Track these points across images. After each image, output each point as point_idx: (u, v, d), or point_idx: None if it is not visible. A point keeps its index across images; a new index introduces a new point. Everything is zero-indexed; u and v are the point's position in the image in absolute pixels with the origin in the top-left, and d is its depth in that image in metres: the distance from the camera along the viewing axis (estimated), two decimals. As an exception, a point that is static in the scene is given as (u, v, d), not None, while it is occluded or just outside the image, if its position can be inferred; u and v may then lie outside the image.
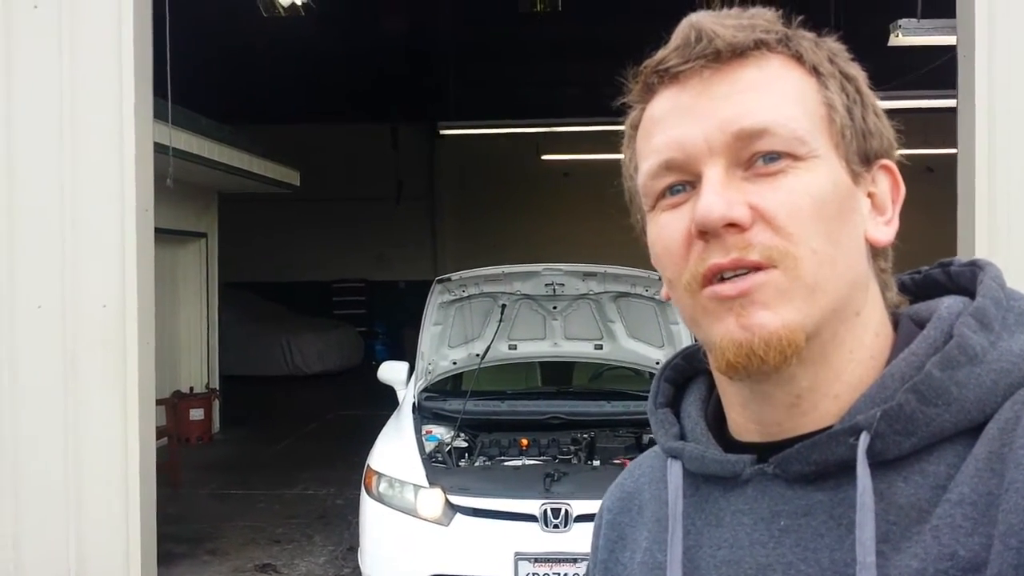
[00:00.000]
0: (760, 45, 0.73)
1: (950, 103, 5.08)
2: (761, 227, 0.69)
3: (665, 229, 0.74)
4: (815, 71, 0.74)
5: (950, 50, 5.05)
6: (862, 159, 0.74)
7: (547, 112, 12.87)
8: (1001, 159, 4.72)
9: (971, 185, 4.72)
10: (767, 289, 0.69)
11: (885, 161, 0.77)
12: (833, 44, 0.77)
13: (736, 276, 0.69)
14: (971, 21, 4.73)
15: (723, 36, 0.72)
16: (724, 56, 0.72)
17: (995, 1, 4.66)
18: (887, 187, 0.78)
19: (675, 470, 0.80)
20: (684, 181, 0.73)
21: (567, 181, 16.39)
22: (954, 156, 4.76)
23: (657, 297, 5.62)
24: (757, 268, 0.69)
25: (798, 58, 0.74)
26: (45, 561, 5.12)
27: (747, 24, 0.73)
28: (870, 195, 0.76)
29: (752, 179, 0.70)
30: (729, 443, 0.79)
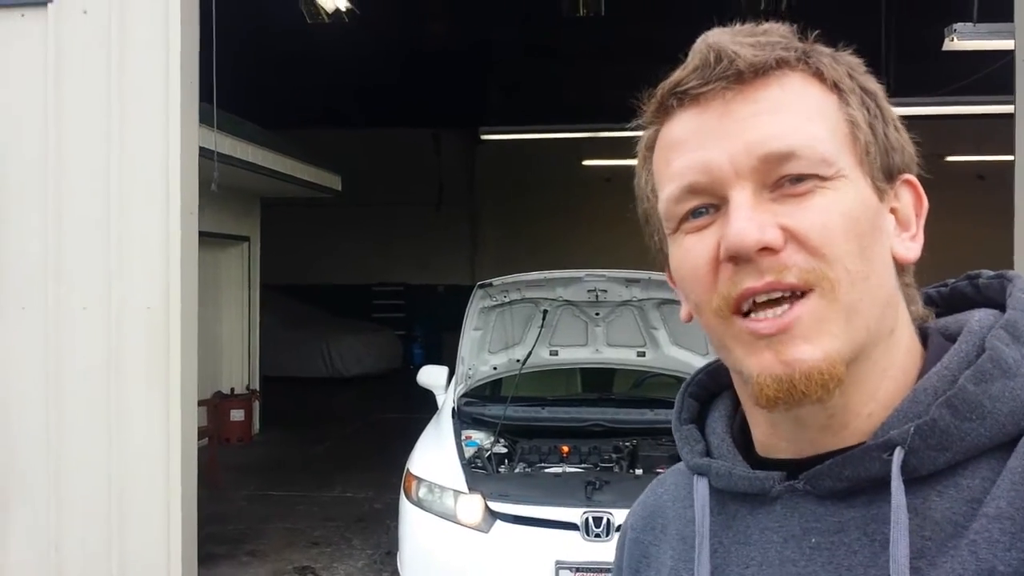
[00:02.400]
0: (781, 64, 0.72)
1: (1004, 109, 4.96)
2: (794, 248, 0.68)
3: (690, 253, 0.73)
4: (836, 87, 0.73)
5: (1003, 55, 4.93)
6: (886, 175, 0.73)
7: (589, 117, 12.82)
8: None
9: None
10: (805, 322, 0.67)
11: (907, 176, 0.76)
12: (850, 58, 0.76)
13: (769, 303, 0.68)
14: (1030, 24, 4.61)
15: (744, 56, 0.71)
16: (746, 76, 0.71)
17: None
18: (910, 202, 0.76)
19: (701, 487, 0.79)
20: (708, 204, 0.72)
21: (608, 186, 16.28)
22: (1005, 163, 4.64)
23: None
24: (791, 290, 0.67)
25: (818, 75, 0.73)
26: (88, 560, 5.18)
27: (765, 42, 0.72)
28: (893, 211, 0.75)
29: (780, 200, 0.69)
30: (756, 460, 0.78)
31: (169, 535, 5.19)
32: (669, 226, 0.75)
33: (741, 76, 0.71)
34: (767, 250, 0.68)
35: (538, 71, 12.87)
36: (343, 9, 9.05)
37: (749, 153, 0.69)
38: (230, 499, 7.70)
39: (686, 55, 0.76)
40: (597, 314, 5.83)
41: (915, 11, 7.67)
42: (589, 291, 5.63)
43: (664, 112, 0.76)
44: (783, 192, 0.69)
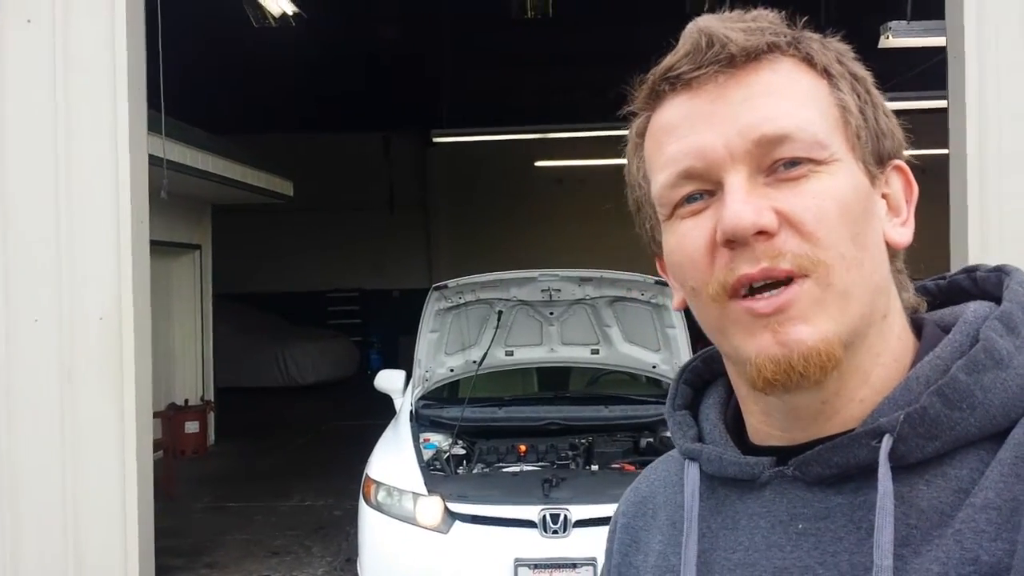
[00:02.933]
0: (772, 48, 0.72)
1: (942, 104, 5.10)
2: (789, 233, 0.68)
3: (686, 238, 0.72)
4: (826, 73, 0.73)
5: (938, 52, 5.08)
6: (876, 160, 0.74)
7: (540, 119, 12.89)
8: (992, 158, 4.74)
9: (963, 185, 4.74)
10: (802, 302, 0.67)
11: (897, 161, 0.77)
12: (839, 44, 0.76)
13: (766, 287, 0.68)
14: (960, 22, 4.76)
15: (736, 40, 0.71)
16: (738, 61, 0.71)
17: (984, 2, 4.68)
18: (900, 187, 0.77)
19: (692, 472, 0.79)
20: (703, 190, 0.72)
21: (561, 188, 16.41)
22: (947, 156, 4.78)
23: (653, 301, 5.63)
24: (787, 276, 0.68)
25: (808, 60, 0.73)
26: (42, 574, 5.09)
27: (755, 27, 0.72)
28: (884, 196, 0.75)
29: (774, 184, 0.69)
30: (748, 446, 0.78)
31: (126, 549, 5.13)
32: (663, 212, 0.75)
33: (733, 60, 0.71)
34: (762, 234, 0.68)
35: (488, 74, 12.92)
36: (290, 13, 8.99)
37: (743, 136, 0.69)
38: (187, 511, 7.61)
39: (662, 52, 0.75)
40: (551, 313, 5.88)
41: (852, 9, 7.86)
42: (543, 291, 5.68)
43: (655, 98, 0.75)
44: (777, 176, 0.69)
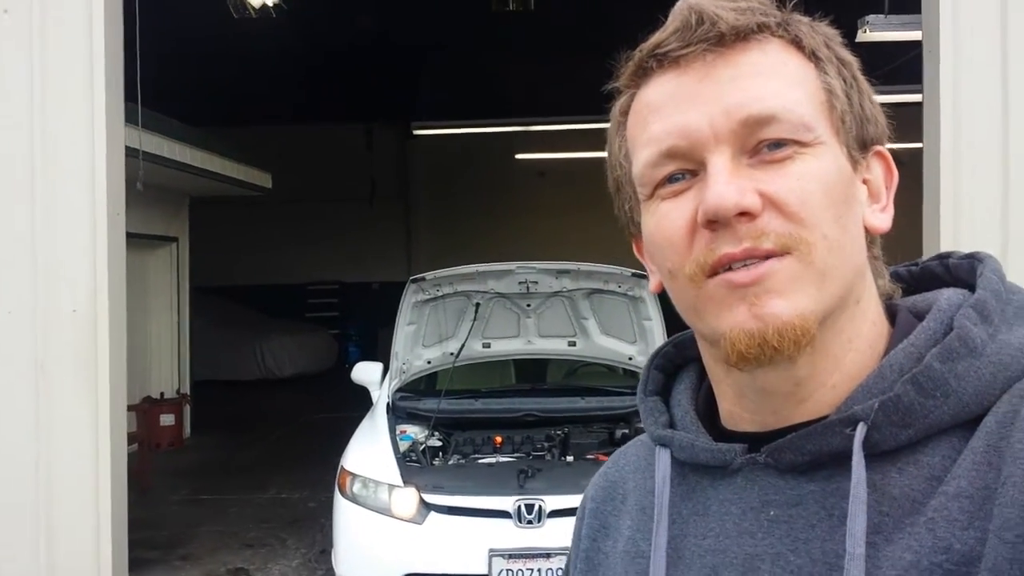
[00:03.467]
0: (762, 28, 0.71)
1: (916, 98, 5.13)
2: (772, 214, 0.68)
3: (666, 219, 0.72)
4: (813, 56, 0.72)
5: (916, 46, 5.10)
6: (859, 145, 0.74)
7: (521, 111, 12.88)
8: (966, 152, 4.77)
9: (936, 178, 4.77)
10: (781, 276, 0.67)
11: (879, 148, 0.76)
12: (827, 29, 0.75)
13: (747, 265, 0.68)
14: (935, 16, 4.79)
15: (726, 19, 0.70)
16: (727, 39, 0.70)
17: (959, -5, 4.71)
18: (881, 173, 0.77)
19: (663, 458, 0.79)
20: (685, 169, 0.71)
21: (542, 180, 16.42)
22: (918, 151, 4.81)
23: (630, 293, 5.64)
24: (768, 255, 0.67)
25: (796, 43, 0.72)
26: (15, 569, 5.05)
27: (745, 7, 0.72)
28: (865, 182, 0.75)
29: (758, 166, 0.69)
30: (720, 433, 0.78)
31: (99, 541, 5.09)
32: (644, 192, 0.74)
33: (723, 39, 0.70)
34: (745, 215, 0.67)
35: (470, 66, 12.89)
36: (270, 4, 8.93)
37: (729, 116, 0.69)
38: (161, 504, 7.56)
39: (652, 30, 0.74)
40: (528, 305, 5.88)
41: (830, 2, 7.88)
42: (520, 283, 5.68)
43: (641, 75, 0.74)
44: (761, 158, 0.69)
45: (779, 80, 0.70)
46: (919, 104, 4.92)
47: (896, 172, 0.77)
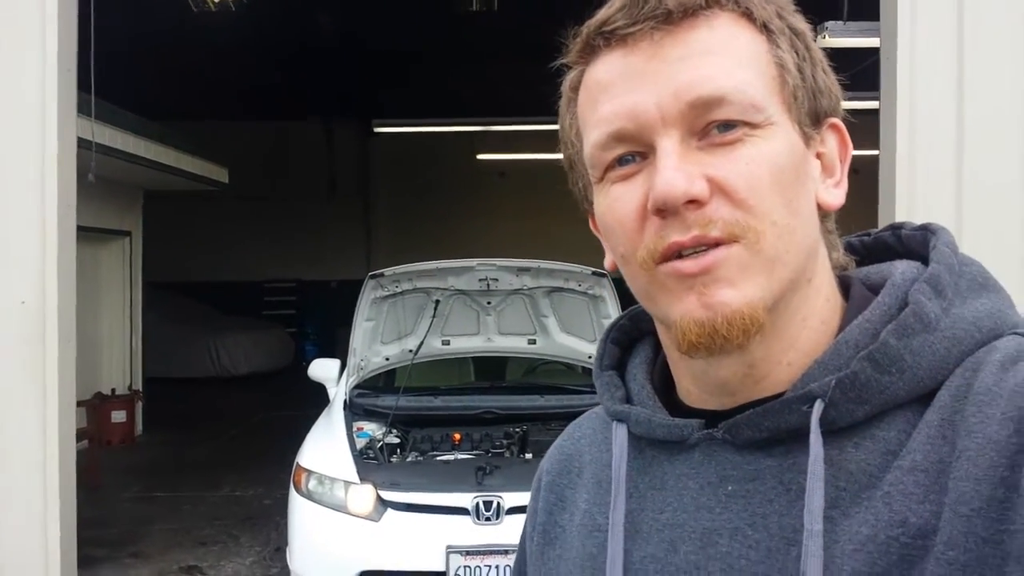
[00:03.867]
0: (711, 3, 0.69)
1: (873, 104, 5.21)
2: (720, 200, 0.67)
3: (616, 203, 0.71)
4: (765, 28, 0.71)
5: (875, 53, 5.18)
6: (812, 119, 0.72)
7: (482, 111, 12.86)
8: (921, 159, 4.86)
9: (891, 185, 4.85)
10: (729, 265, 0.67)
11: (833, 120, 0.75)
12: None
13: (696, 253, 0.67)
14: (894, 22, 4.87)
15: None
16: (675, 16, 0.68)
17: (917, 3, 4.79)
18: (835, 146, 0.76)
19: (620, 433, 0.78)
20: (635, 152, 0.70)
21: (503, 181, 16.43)
22: (874, 157, 4.88)
23: (590, 292, 5.65)
24: (716, 243, 0.67)
25: (747, 15, 0.71)
26: (-43, 566, 4.92)
27: None
28: (819, 155, 0.74)
29: (707, 149, 0.68)
30: (676, 406, 0.77)
31: (47, 538, 4.98)
32: (595, 174, 0.73)
33: (670, 16, 0.68)
34: (693, 203, 0.66)
35: (432, 65, 12.85)
36: (229, -2, 8.83)
37: (678, 98, 0.67)
38: (112, 501, 7.43)
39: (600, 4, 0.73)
40: (489, 303, 5.87)
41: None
42: (480, 280, 5.66)
43: (589, 52, 0.72)
44: (711, 140, 0.68)
45: (729, 58, 0.68)
46: (876, 111, 5.00)
47: (851, 144, 0.76)
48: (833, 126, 0.75)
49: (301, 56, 12.20)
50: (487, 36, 11.36)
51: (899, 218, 4.83)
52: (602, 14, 0.71)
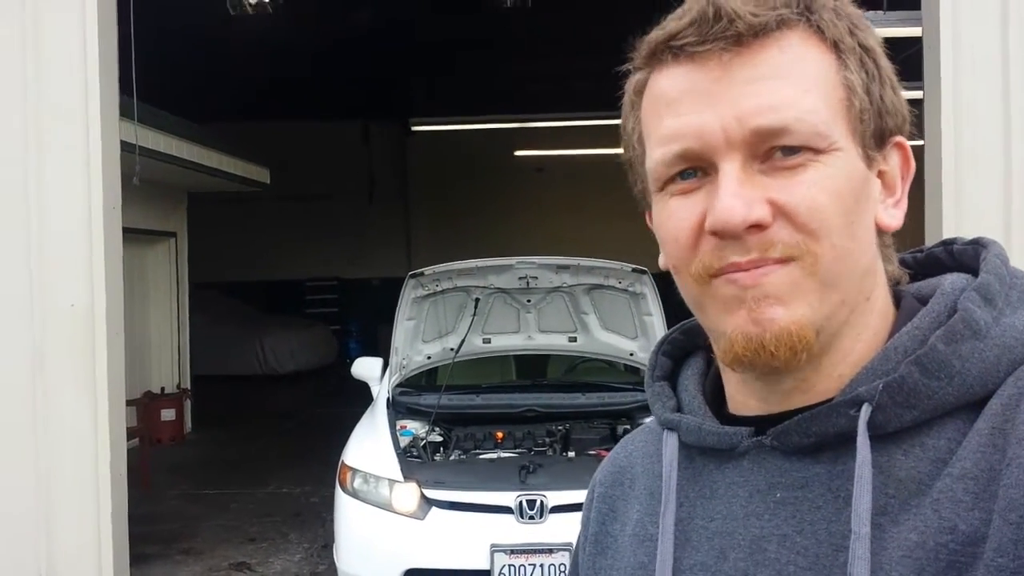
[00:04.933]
0: (781, 24, 0.69)
1: (915, 94, 5.14)
2: (782, 223, 0.68)
3: (673, 216, 0.72)
4: (835, 47, 0.71)
5: (917, 42, 5.10)
6: (877, 140, 0.73)
7: (519, 108, 12.86)
8: (967, 148, 4.78)
9: (938, 176, 4.78)
10: (783, 283, 0.68)
11: (898, 138, 0.75)
12: (852, 10, 0.73)
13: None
14: (935, 11, 4.79)
15: (744, 18, 0.68)
16: (745, 39, 0.69)
17: (959, -9, 4.71)
18: (898, 164, 0.76)
19: (671, 442, 0.80)
20: (696, 167, 0.71)
21: (541, 176, 16.41)
22: (921, 148, 4.81)
23: (630, 289, 5.64)
24: (776, 263, 0.68)
25: (819, 33, 0.70)
26: (15, 564, 5.05)
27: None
28: (881, 174, 0.74)
29: (770, 172, 0.68)
30: (726, 417, 0.78)
31: (100, 536, 5.10)
32: (655, 184, 0.74)
33: (740, 39, 0.68)
34: (755, 227, 0.67)
35: (467, 63, 12.87)
36: (267, 0, 8.92)
37: (742, 124, 0.68)
38: (162, 499, 7.57)
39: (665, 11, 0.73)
40: (528, 301, 5.88)
41: None
42: (520, 278, 5.67)
43: (655, 60, 0.73)
44: (774, 164, 0.68)
45: (796, 83, 0.69)
46: (919, 101, 4.92)
47: (913, 163, 0.77)
48: (898, 144, 0.75)
49: (337, 56, 12.30)
50: (522, 32, 11.35)
51: (946, 208, 4.76)
52: (671, 26, 0.71)
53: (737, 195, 0.67)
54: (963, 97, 4.77)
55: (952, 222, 4.71)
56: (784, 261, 0.68)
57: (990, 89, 4.75)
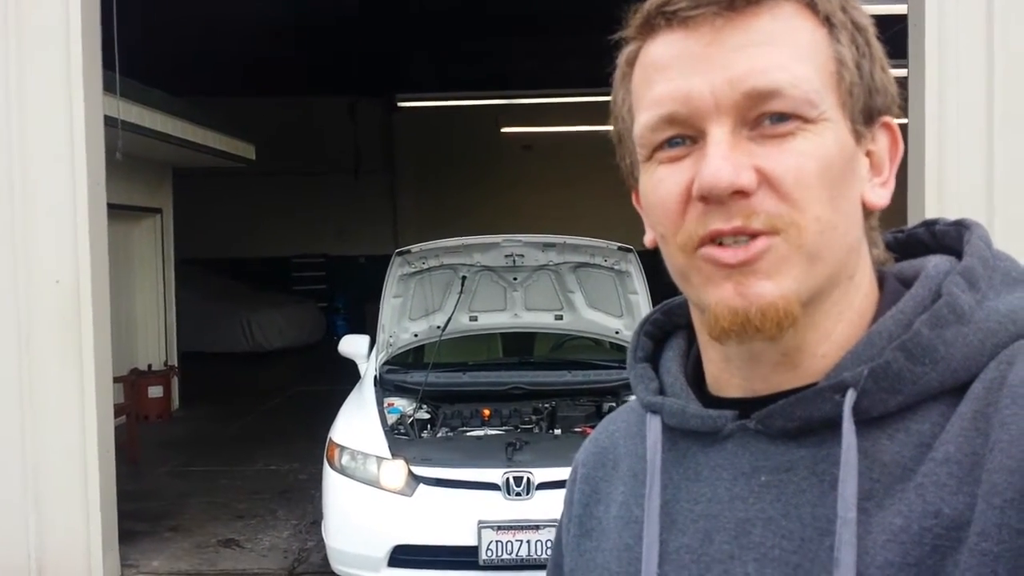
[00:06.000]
0: None
1: (899, 72, 5.15)
2: (766, 192, 0.67)
3: (661, 184, 0.71)
4: (828, 21, 0.70)
5: (901, 20, 5.11)
6: (866, 117, 0.72)
7: (505, 85, 12.81)
8: (951, 126, 4.81)
9: (921, 152, 4.81)
10: (768, 257, 0.67)
11: (886, 119, 0.75)
12: None
13: (736, 242, 0.68)
14: (922, -10, 4.80)
15: None
16: (738, 4, 0.68)
17: (945, -30, 4.72)
18: (886, 145, 0.76)
19: (654, 425, 0.79)
20: (685, 135, 0.70)
21: (528, 154, 16.38)
22: (904, 126, 4.82)
23: (616, 267, 5.66)
24: (757, 235, 0.67)
25: (811, 6, 0.70)
26: (3, 540, 5.07)
27: None
28: (868, 153, 0.74)
29: (758, 140, 0.68)
30: (709, 398, 0.78)
31: (88, 513, 5.12)
32: (643, 153, 0.73)
33: (733, 3, 0.68)
34: (739, 193, 0.67)
35: (454, 39, 12.80)
36: (253, -26, 8.83)
37: (733, 87, 0.67)
38: (150, 476, 7.59)
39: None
40: (515, 279, 5.90)
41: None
42: (507, 256, 5.68)
43: (648, 29, 0.72)
44: (762, 131, 0.68)
45: (788, 50, 0.69)
46: (903, 79, 4.94)
47: (901, 144, 0.77)
48: (886, 125, 0.75)
49: (324, 32, 12.20)
50: (509, 9, 11.28)
51: (928, 186, 4.79)
52: None
53: (726, 158, 0.67)
54: (947, 75, 4.79)
55: (935, 201, 4.75)
56: (768, 234, 0.67)
57: (975, 67, 4.78)
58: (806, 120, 0.68)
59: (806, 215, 0.67)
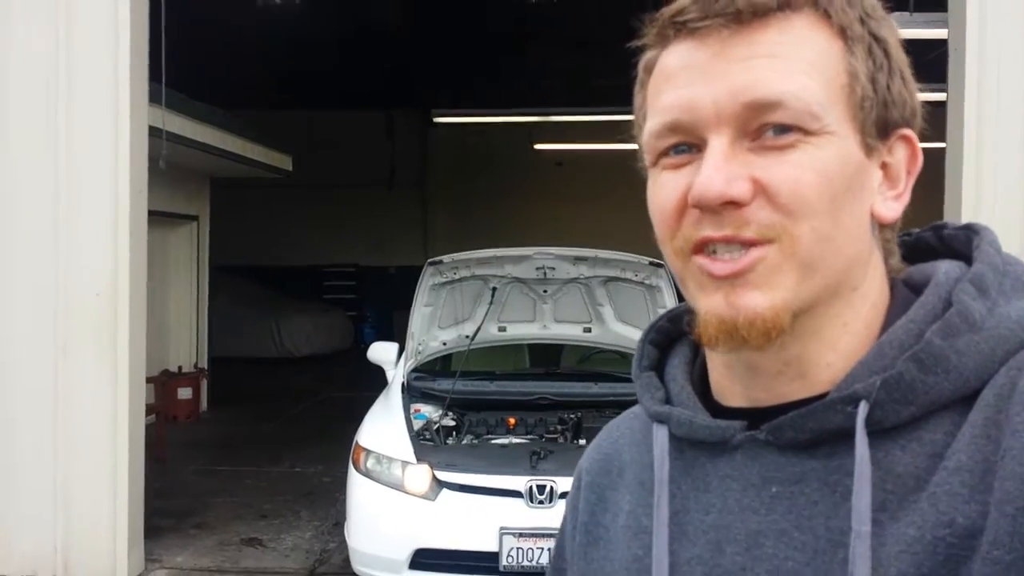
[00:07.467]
0: (784, 6, 0.69)
1: (938, 96, 5.13)
2: (761, 202, 0.67)
3: (662, 190, 0.72)
4: (843, 34, 0.70)
5: (941, 45, 5.11)
6: (880, 130, 0.72)
7: (540, 102, 12.88)
8: (988, 153, 4.79)
9: (958, 177, 4.79)
10: (759, 268, 0.68)
11: (905, 131, 0.74)
12: (869, 1, 0.72)
13: (728, 252, 0.68)
14: (962, 14, 4.80)
15: None
16: (744, 16, 0.69)
17: (986, -5, 4.71)
18: (903, 158, 0.74)
19: (661, 435, 0.79)
20: (689, 142, 0.71)
21: (560, 170, 16.43)
22: (940, 150, 4.81)
23: (646, 282, 5.68)
24: (749, 244, 0.67)
25: (826, 18, 0.70)
26: (33, 534, 5.15)
27: None
28: (884, 166, 0.73)
29: (758, 151, 0.68)
30: (715, 407, 0.78)
31: (115, 508, 5.19)
32: (649, 158, 0.74)
33: (740, 16, 0.68)
34: (731, 203, 0.67)
35: (490, 56, 12.91)
36: (294, -12, 9.00)
37: (734, 98, 0.68)
38: (177, 474, 7.66)
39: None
40: (545, 291, 5.93)
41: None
42: (537, 268, 5.72)
43: (664, 38, 0.74)
44: (764, 143, 0.68)
45: (793, 63, 0.68)
46: (942, 104, 4.93)
47: (920, 158, 0.75)
48: (904, 137, 0.74)
49: (362, 47, 12.37)
50: (545, 27, 11.38)
51: (966, 210, 4.76)
52: (678, 3, 0.73)
53: (719, 169, 0.67)
54: (987, 101, 4.77)
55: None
56: (761, 243, 0.67)
57: (1016, 93, 4.75)
58: (808, 132, 0.68)
59: (801, 226, 0.67)
